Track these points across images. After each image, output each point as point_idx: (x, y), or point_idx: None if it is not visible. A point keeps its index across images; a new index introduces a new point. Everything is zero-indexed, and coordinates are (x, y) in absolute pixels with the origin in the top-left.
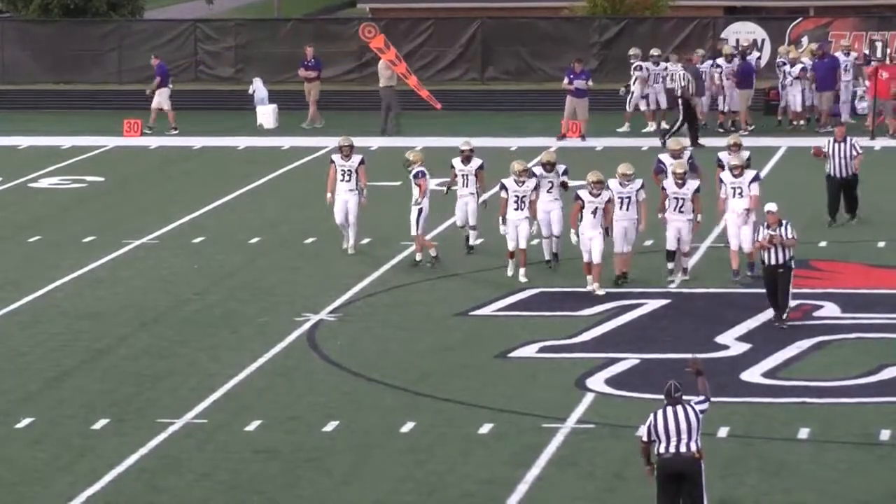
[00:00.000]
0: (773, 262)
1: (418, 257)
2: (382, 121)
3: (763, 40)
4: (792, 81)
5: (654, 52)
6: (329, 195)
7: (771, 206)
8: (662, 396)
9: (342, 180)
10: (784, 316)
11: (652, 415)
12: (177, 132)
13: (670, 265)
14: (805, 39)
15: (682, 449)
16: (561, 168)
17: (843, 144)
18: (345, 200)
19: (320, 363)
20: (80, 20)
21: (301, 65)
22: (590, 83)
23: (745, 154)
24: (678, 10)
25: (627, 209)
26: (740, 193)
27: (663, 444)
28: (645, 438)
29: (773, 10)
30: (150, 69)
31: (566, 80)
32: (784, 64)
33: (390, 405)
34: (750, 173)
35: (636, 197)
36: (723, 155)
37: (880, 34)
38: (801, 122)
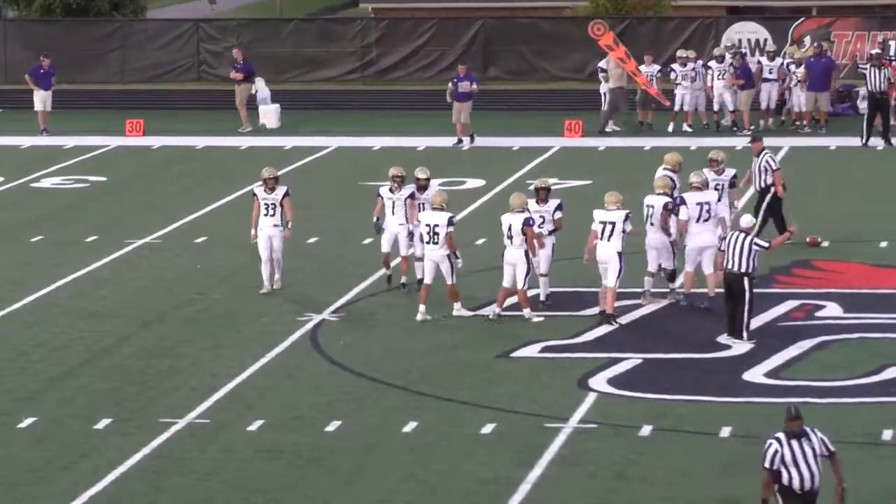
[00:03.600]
0: (731, 267)
1: (403, 279)
2: (603, 120)
3: (766, 40)
4: (797, 82)
5: (681, 53)
6: (252, 232)
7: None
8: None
9: (266, 215)
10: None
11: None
12: (48, 133)
13: (648, 285)
14: (808, 39)
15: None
16: (553, 203)
17: (756, 160)
18: (269, 236)
19: (323, 363)
20: (82, 20)
21: (233, 67)
22: (475, 86)
23: (731, 172)
24: (680, 10)
25: (609, 239)
26: (707, 212)
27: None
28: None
29: (776, 9)
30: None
31: (450, 85)
32: (790, 64)
33: (393, 405)
34: (714, 193)
35: (624, 227)
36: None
37: (883, 34)
38: (805, 121)
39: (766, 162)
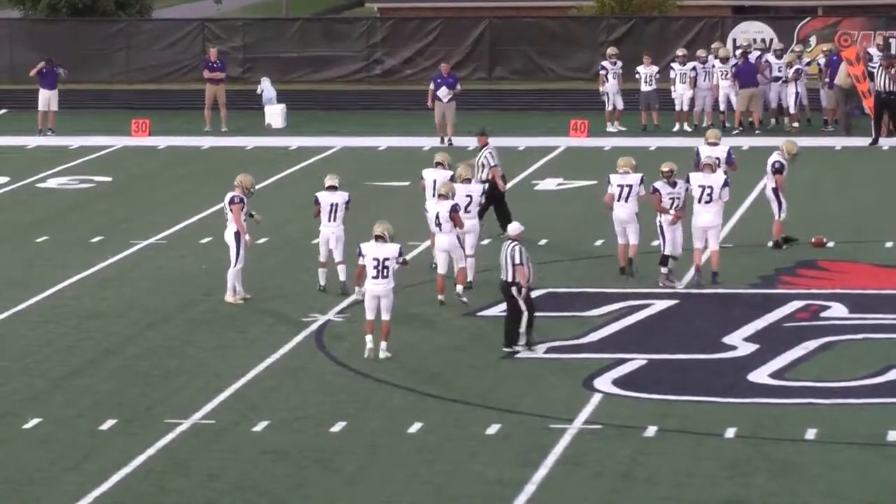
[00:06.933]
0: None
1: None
2: (845, 121)
3: (771, 40)
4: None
5: (680, 52)
6: (247, 237)
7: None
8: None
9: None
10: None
11: None
12: (53, 133)
13: (664, 269)
14: (813, 39)
15: None
16: (476, 189)
17: (479, 154)
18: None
19: (328, 363)
20: (88, 19)
21: (204, 66)
22: (458, 87)
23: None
24: (686, 10)
25: (626, 201)
26: (709, 195)
27: None
28: None
29: (782, 9)
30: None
31: (432, 85)
32: (781, 66)
33: (398, 405)
34: (721, 177)
35: (639, 189)
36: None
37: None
38: (796, 123)
39: (486, 157)
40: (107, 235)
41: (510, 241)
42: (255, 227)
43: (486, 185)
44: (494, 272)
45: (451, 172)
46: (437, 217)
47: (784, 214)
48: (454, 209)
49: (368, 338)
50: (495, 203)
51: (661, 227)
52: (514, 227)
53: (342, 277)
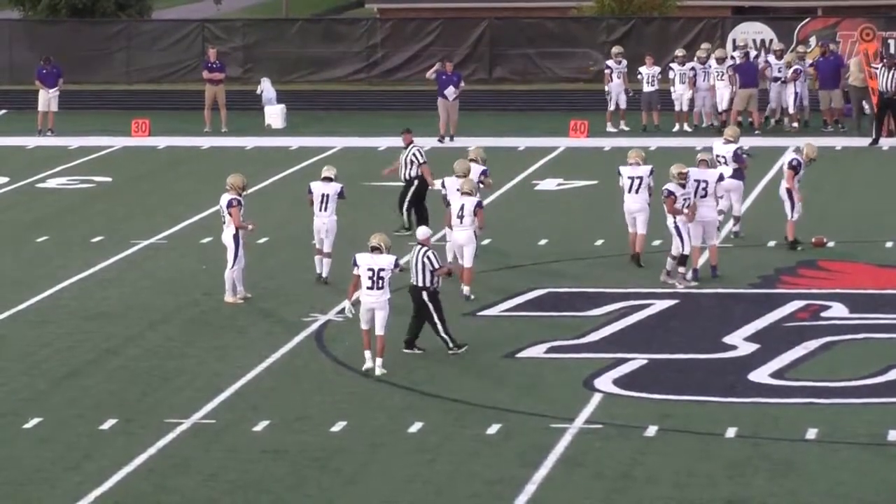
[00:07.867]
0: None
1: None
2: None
3: (771, 40)
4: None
5: (679, 52)
6: (251, 226)
7: None
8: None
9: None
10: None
11: None
12: (52, 133)
13: (681, 269)
14: (813, 39)
15: None
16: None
17: (404, 151)
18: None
19: (328, 363)
20: (88, 20)
21: (204, 67)
22: (462, 85)
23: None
24: (686, 11)
25: (637, 192)
26: (704, 189)
27: None
28: None
29: (782, 10)
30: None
31: (434, 75)
32: (780, 67)
33: (398, 405)
34: (715, 172)
35: (650, 181)
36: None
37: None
38: (795, 123)
39: (414, 155)
40: (107, 235)
41: (420, 247)
42: (258, 227)
43: (417, 182)
44: (494, 272)
45: (482, 167)
46: (462, 209)
47: (797, 215)
48: (479, 205)
49: (367, 354)
50: (417, 201)
51: (676, 227)
52: (422, 232)
53: (325, 272)
